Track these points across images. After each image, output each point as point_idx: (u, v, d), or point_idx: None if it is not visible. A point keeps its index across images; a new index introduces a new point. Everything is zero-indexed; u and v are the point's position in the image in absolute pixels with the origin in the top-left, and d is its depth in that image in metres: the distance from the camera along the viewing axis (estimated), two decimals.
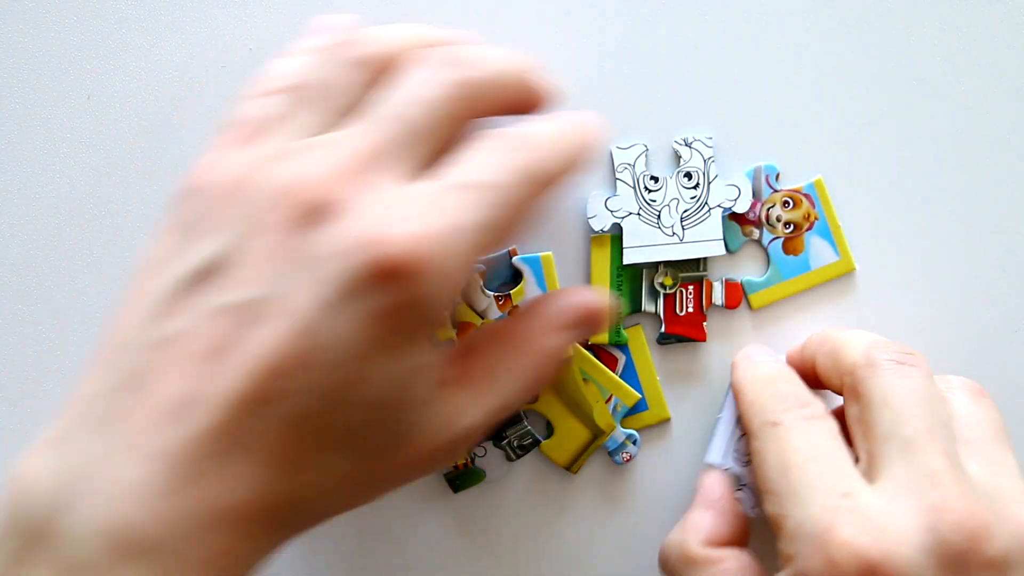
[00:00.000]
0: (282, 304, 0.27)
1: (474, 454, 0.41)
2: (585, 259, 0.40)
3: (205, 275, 0.28)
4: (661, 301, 0.41)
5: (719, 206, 0.40)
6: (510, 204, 0.29)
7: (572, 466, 0.41)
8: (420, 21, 0.34)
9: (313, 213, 0.27)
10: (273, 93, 0.31)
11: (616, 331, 0.41)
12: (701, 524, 0.36)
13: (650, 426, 0.41)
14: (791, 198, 0.41)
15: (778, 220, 0.41)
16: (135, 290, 0.29)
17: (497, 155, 0.30)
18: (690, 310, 0.41)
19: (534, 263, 0.40)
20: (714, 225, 0.40)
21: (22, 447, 0.39)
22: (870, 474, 0.32)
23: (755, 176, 0.41)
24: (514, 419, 0.40)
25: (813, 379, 0.37)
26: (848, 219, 0.41)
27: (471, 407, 0.31)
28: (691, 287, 0.41)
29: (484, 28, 0.40)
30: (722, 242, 0.40)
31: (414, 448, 0.30)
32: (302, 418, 0.27)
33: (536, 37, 0.40)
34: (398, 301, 0.27)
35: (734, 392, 0.38)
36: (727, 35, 0.41)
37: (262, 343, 0.27)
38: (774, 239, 0.41)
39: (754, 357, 0.39)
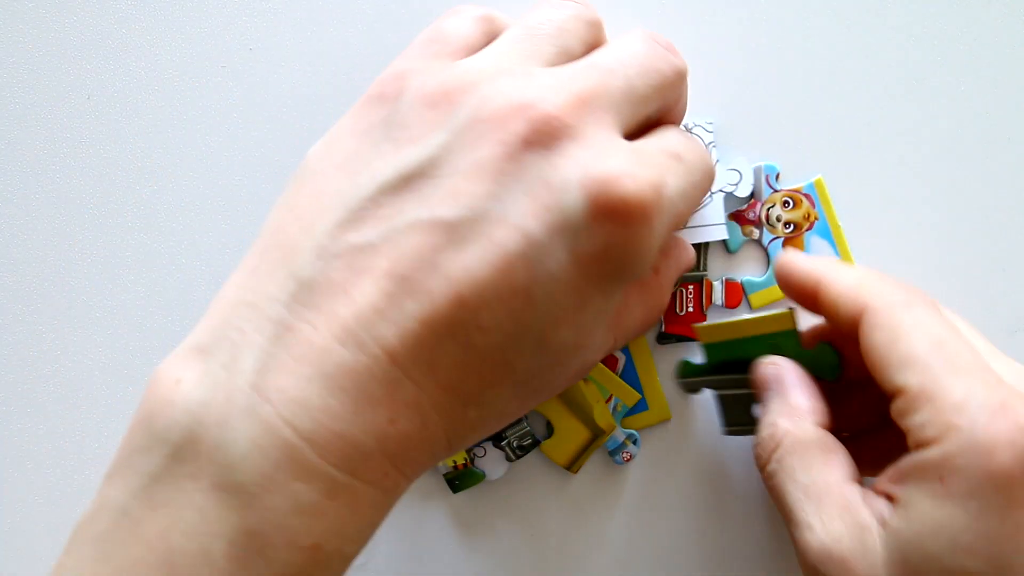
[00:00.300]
0: (490, 228, 0.25)
1: (474, 454, 0.41)
2: None
3: (407, 183, 0.26)
4: None
5: (720, 191, 0.40)
6: (699, 185, 0.30)
7: (572, 466, 0.41)
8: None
9: (540, 134, 0.25)
10: (492, 19, 0.31)
11: None
12: (807, 405, 0.32)
13: (650, 426, 0.41)
14: (791, 198, 0.41)
15: (778, 220, 0.40)
16: (319, 188, 0.27)
17: (693, 145, 0.30)
18: (690, 310, 0.40)
19: None
20: (716, 210, 0.40)
21: (23, 446, 0.40)
22: None
23: (755, 176, 0.40)
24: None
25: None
26: (848, 219, 0.41)
27: (610, 339, 0.31)
28: (691, 287, 0.40)
29: None
30: (725, 226, 0.40)
31: (564, 383, 0.30)
32: (484, 355, 0.26)
33: None
34: (615, 244, 0.26)
35: (809, 283, 0.33)
36: (727, 35, 0.41)
37: (463, 267, 0.25)
38: (774, 239, 0.41)
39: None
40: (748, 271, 0.41)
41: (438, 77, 0.27)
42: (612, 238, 0.26)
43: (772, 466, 0.31)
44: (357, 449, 0.25)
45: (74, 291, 0.40)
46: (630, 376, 0.41)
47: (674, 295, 0.40)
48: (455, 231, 0.25)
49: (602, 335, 0.29)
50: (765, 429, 0.32)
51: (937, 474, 0.26)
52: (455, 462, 0.40)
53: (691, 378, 0.38)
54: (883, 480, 0.29)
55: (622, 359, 0.40)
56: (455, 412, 0.27)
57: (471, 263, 0.25)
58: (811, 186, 0.41)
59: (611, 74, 0.28)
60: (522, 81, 0.27)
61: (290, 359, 0.25)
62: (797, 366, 0.34)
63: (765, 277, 0.41)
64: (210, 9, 0.40)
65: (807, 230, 0.41)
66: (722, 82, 0.41)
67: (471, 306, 0.25)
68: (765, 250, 0.41)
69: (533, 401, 0.29)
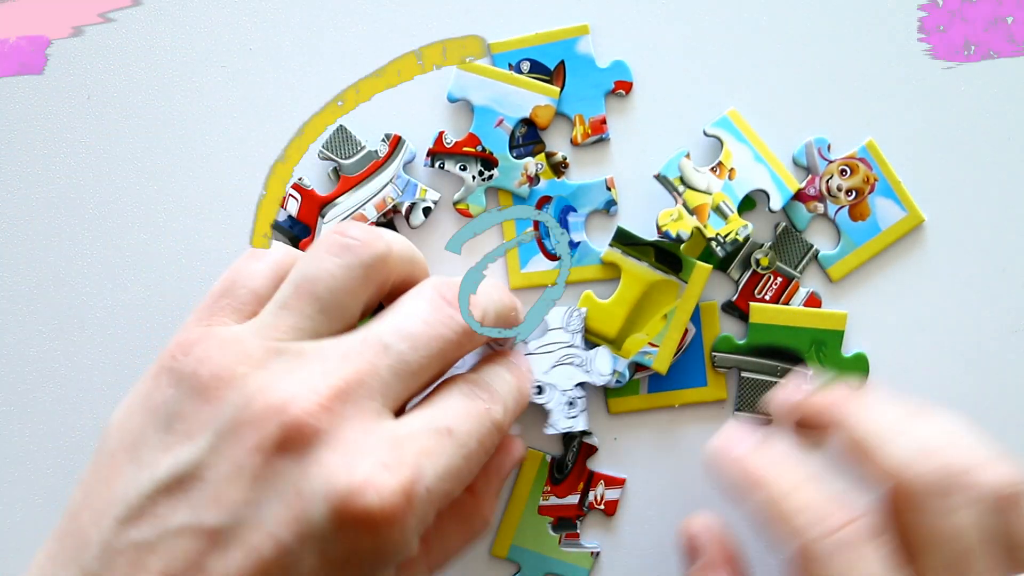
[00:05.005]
0: (248, 535, 0.27)
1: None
2: None
3: (179, 484, 0.27)
4: (747, 275, 0.40)
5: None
6: (475, 453, 0.30)
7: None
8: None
9: (292, 440, 0.27)
10: (272, 268, 0.32)
11: None
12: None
13: (704, 403, 0.40)
14: (847, 166, 0.40)
15: (839, 189, 0.40)
16: (109, 475, 0.29)
17: (473, 408, 0.31)
18: (767, 298, 0.40)
19: (725, 124, 0.40)
20: None
21: (23, 446, 0.40)
22: None
23: (807, 152, 0.40)
24: None
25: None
26: (907, 173, 0.40)
27: (419, 571, 0.33)
28: (779, 279, 0.40)
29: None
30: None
31: None
32: None
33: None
34: (363, 549, 0.27)
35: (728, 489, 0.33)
36: (753, 26, 0.40)
37: (225, 571, 0.27)
38: (840, 208, 0.40)
39: (742, 444, 0.33)
40: (820, 246, 0.40)
41: (212, 364, 0.29)
42: (359, 545, 0.27)
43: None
44: None
45: (74, 291, 0.40)
46: (696, 350, 0.40)
47: (760, 277, 0.40)
48: (219, 536, 0.27)
49: None
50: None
51: None
52: None
53: (726, 353, 0.40)
54: None
55: (692, 331, 0.40)
56: None
57: (232, 568, 0.27)
58: (864, 149, 0.40)
59: (383, 352, 0.29)
60: (283, 376, 0.28)
61: None
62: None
63: (839, 248, 0.40)
64: (210, 9, 0.40)
65: (870, 193, 0.40)
66: (756, 67, 0.40)
67: None
68: (833, 222, 0.40)
69: None
